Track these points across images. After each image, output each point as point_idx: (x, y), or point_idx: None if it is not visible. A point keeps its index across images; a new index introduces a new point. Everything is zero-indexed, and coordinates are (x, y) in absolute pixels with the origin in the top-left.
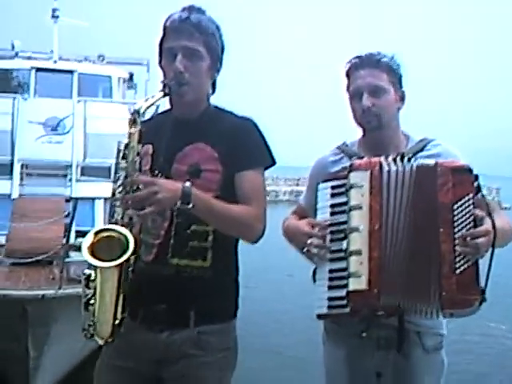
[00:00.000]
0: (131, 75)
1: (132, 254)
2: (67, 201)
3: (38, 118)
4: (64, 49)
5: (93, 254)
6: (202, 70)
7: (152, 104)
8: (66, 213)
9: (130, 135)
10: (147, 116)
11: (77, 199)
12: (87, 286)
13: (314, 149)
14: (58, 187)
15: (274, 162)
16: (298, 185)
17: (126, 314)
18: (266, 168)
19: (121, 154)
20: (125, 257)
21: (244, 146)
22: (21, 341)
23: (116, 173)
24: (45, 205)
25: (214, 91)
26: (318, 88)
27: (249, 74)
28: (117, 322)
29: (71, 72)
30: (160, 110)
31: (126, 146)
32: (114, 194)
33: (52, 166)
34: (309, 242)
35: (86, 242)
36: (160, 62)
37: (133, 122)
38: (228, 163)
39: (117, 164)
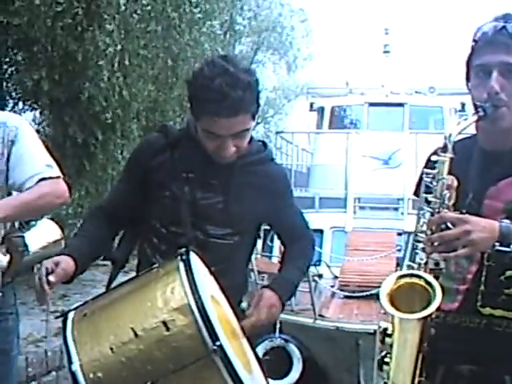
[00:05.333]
0: (463, 105)
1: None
2: (399, 234)
3: (370, 151)
4: (395, 82)
5: (392, 302)
6: None
7: (464, 129)
8: (398, 247)
9: (440, 164)
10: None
11: (409, 233)
12: (382, 342)
13: None
14: (390, 220)
15: None
16: None
17: (423, 377)
18: None
19: (426, 186)
20: (431, 309)
21: None
22: (352, 372)
23: (420, 209)
24: (377, 238)
25: None
26: None
27: None
28: None
29: (402, 105)
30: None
31: (434, 176)
32: (416, 234)
33: (384, 200)
34: None
35: (386, 287)
36: (467, 82)
37: (443, 149)
38: None
39: (422, 198)
